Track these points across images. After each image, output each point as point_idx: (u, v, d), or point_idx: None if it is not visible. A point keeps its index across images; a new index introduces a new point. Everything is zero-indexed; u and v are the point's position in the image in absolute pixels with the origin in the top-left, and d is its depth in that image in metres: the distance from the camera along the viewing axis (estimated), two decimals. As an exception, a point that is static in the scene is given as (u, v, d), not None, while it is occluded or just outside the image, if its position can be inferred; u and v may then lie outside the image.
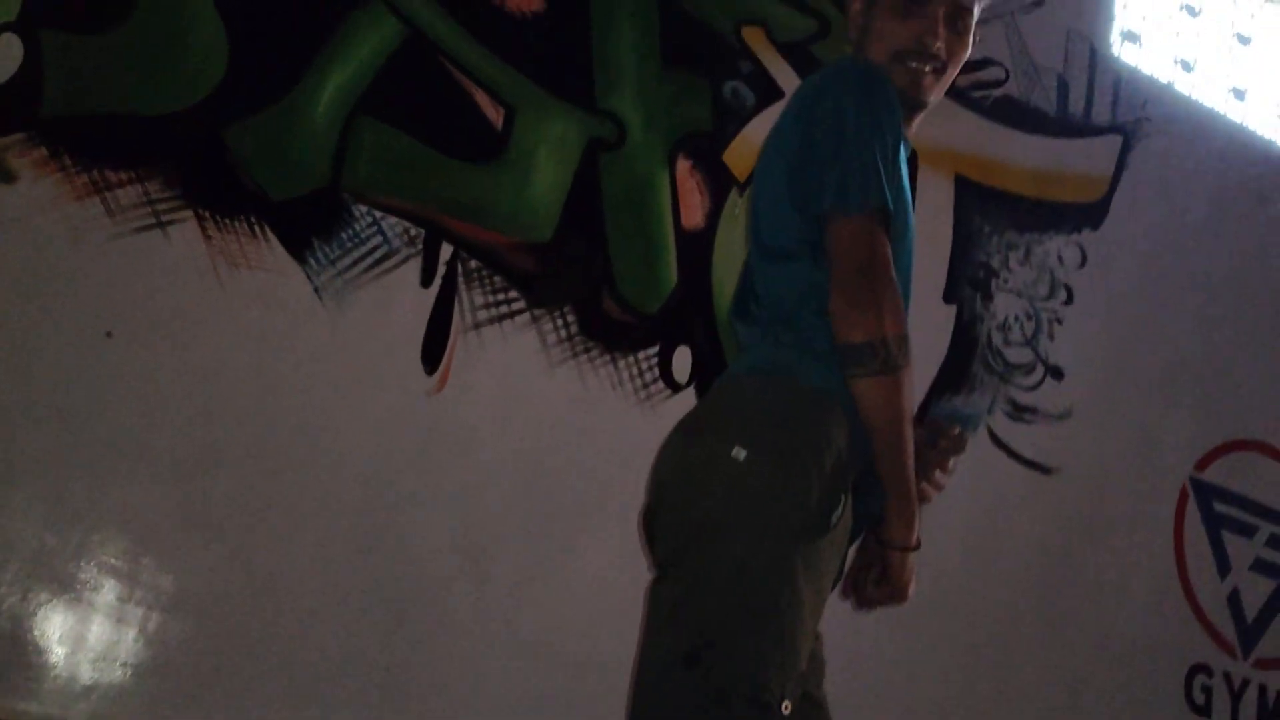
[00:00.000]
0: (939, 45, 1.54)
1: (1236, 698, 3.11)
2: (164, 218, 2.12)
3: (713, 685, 1.35)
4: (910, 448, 1.47)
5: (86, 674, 2.03)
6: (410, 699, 2.24)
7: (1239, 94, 3.49)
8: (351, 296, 2.25)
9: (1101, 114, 3.12)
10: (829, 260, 1.46)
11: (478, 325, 2.36)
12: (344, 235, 2.26)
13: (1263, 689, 3.16)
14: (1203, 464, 3.17)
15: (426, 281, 2.33)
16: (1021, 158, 2.98)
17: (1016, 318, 2.95)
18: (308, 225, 2.23)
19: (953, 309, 2.87)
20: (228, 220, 2.17)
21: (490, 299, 2.38)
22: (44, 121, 2.04)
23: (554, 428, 2.42)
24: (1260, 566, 3.22)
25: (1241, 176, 3.32)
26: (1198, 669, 3.08)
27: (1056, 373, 3.00)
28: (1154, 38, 3.34)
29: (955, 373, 2.85)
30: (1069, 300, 3.03)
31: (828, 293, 1.46)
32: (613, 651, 2.31)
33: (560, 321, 2.45)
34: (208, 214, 2.16)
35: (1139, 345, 3.12)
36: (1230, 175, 3.30)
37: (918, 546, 1.50)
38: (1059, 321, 3.01)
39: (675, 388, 2.55)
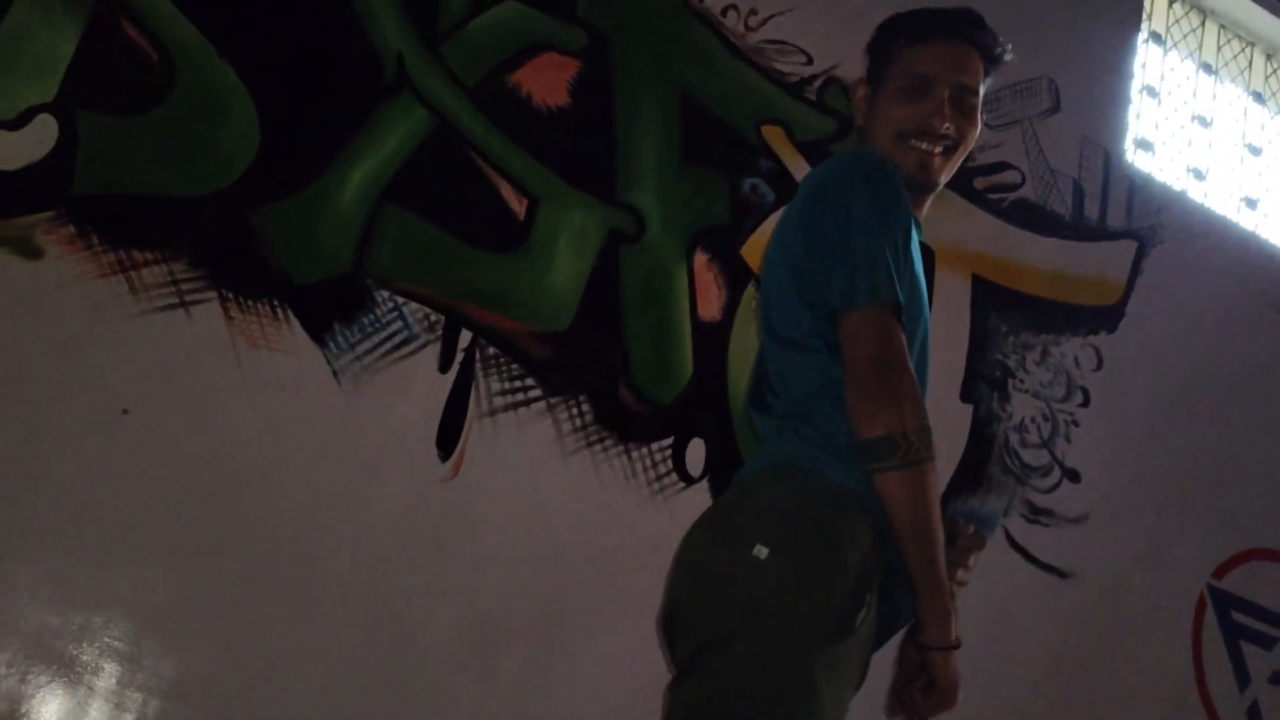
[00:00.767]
0: (947, 125, 1.54)
1: (1258, 815, 3.02)
2: (187, 297, 2.14)
3: None
4: (940, 543, 1.43)
5: (83, 761, 1.99)
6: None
7: (1251, 203, 3.53)
8: (369, 380, 2.25)
9: (1116, 219, 3.15)
10: (843, 355, 1.45)
11: (493, 412, 2.36)
12: (365, 320, 2.27)
13: (1285, 806, 3.07)
14: (1220, 572, 3.12)
15: (444, 367, 2.33)
16: (1038, 259, 3.00)
17: (1033, 419, 2.94)
18: (329, 309, 2.24)
19: (969, 408, 2.86)
20: (250, 301, 2.18)
21: (506, 385, 2.38)
22: (73, 200, 2.06)
23: (566, 517, 2.40)
24: (1280, 679, 3.15)
25: (1254, 283, 3.34)
26: (1218, 784, 2.99)
27: (1073, 475, 2.97)
28: (1166, 146, 3.39)
29: (972, 473, 2.83)
30: (1085, 403, 3.02)
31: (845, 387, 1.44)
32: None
33: (575, 410, 2.44)
34: (231, 295, 2.17)
35: (1155, 449, 3.10)
36: (1243, 282, 3.32)
37: (958, 645, 1.45)
38: (1075, 424, 3.00)
39: (689, 480, 2.53)
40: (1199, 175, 3.44)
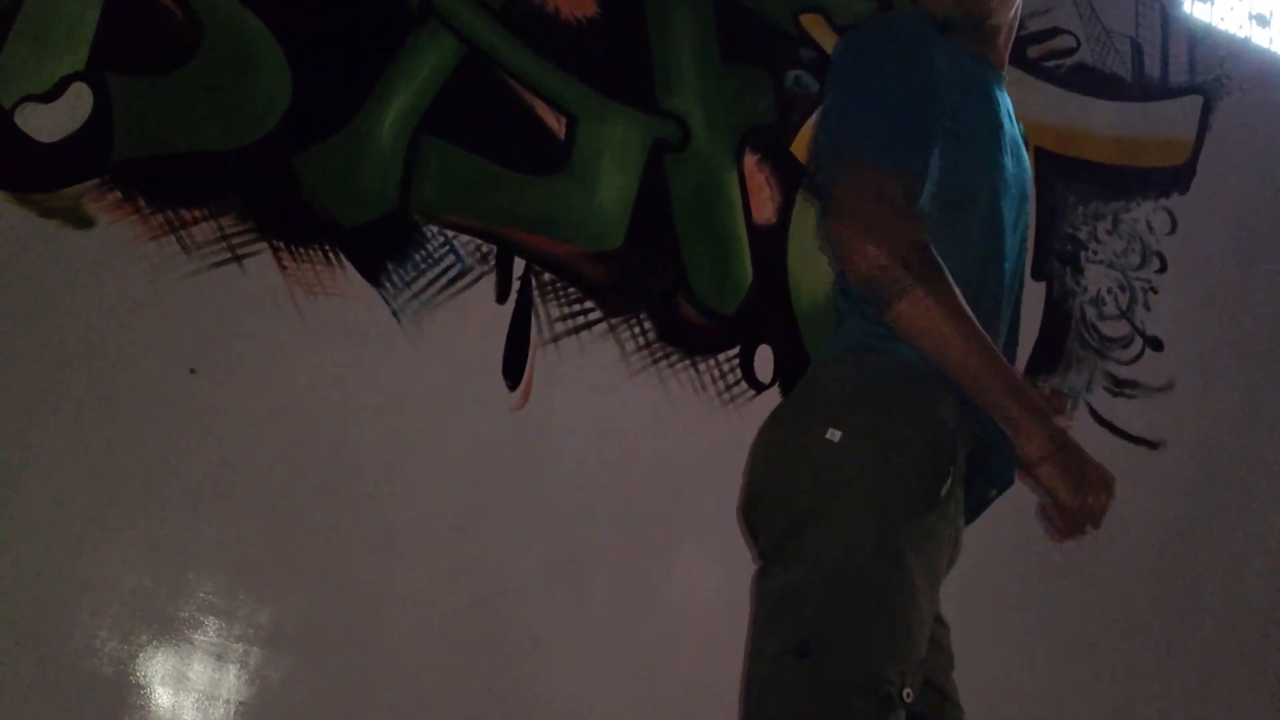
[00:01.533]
0: None
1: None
2: (239, 251, 2.13)
3: (826, 676, 1.29)
4: (989, 357, 1.36)
5: (191, 714, 2.02)
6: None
7: (1320, 44, 3.35)
8: (429, 317, 2.24)
9: (1179, 75, 3.02)
10: None
11: (556, 338, 2.33)
12: (417, 257, 2.25)
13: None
14: (1315, 427, 3.02)
15: (502, 298, 2.30)
16: (1101, 125, 2.88)
17: (1110, 290, 2.85)
18: (381, 249, 2.22)
19: (1042, 286, 2.78)
20: (302, 249, 2.17)
21: (566, 310, 2.35)
22: (116, 165, 2.06)
23: (640, 436, 2.38)
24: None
25: (1331, 128, 3.18)
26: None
27: (1155, 344, 2.88)
28: (1225, -7, 3.23)
29: (1050, 351, 2.75)
30: (1162, 268, 2.91)
31: None
32: (721, 658, 2.25)
33: (638, 329, 2.41)
34: (281, 245, 2.16)
35: (1238, 309, 2.99)
36: (1319, 127, 3.17)
37: (1063, 447, 1.35)
38: (1154, 290, 2.90)
39: (759, 388, 2.50)
40: (1262, 21, 3.26)
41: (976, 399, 1.37)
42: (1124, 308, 2.87)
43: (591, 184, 2.39)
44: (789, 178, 2.56)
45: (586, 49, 2.40)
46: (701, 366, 2.46)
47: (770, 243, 2.55)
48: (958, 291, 1.36)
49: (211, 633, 2.05)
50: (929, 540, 1.35)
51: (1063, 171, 2.83)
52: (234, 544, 2.08)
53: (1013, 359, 1.60)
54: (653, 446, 2.39)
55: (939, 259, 1.36)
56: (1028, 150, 1.64)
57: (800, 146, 2.57)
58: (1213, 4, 3.18)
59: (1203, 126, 3.01)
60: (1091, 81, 2.89)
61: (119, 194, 2.06)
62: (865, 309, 1.46)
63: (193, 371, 2.08)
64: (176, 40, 2.12)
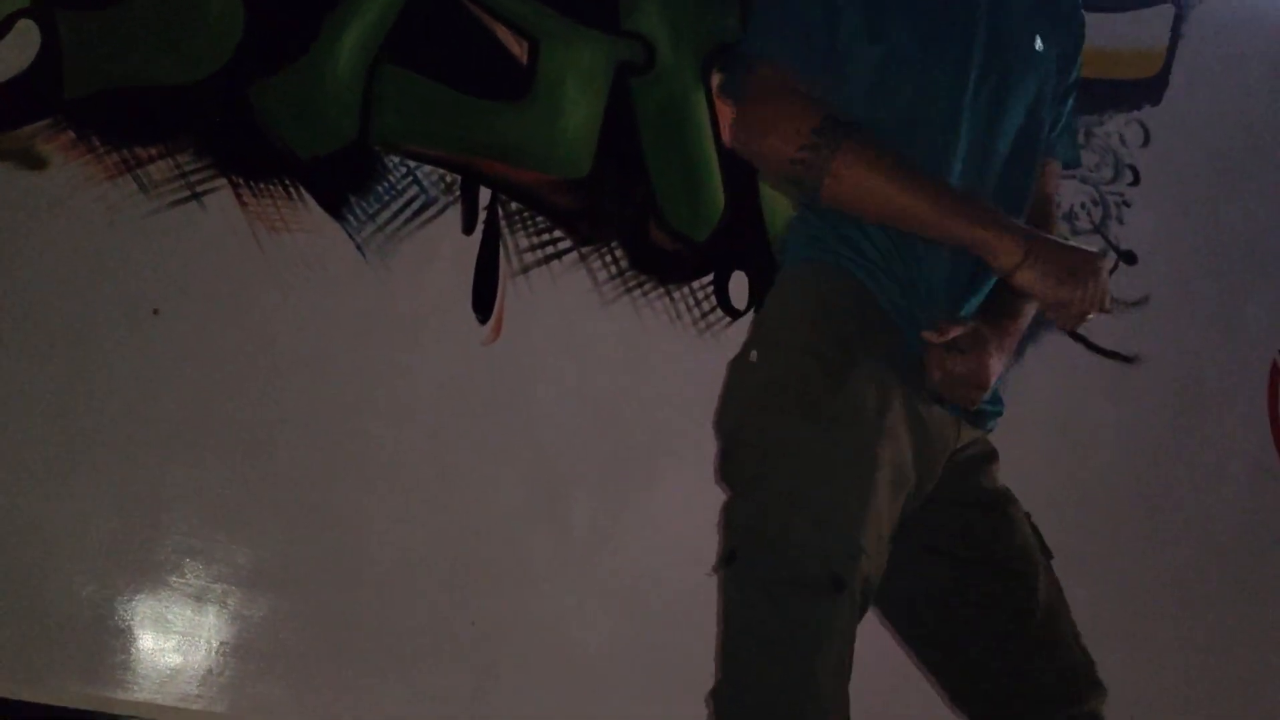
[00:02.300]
0: None
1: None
2: (198, 189, 2.09)
3: (749, 576, 1.33)
4: (926, 191, 1.35)
5: (173, 657, 2.02)
6: (497, 651, 2.21)
7: (1294, -49, 3.31)
8: (394, 250, 2.21)
9: (1149, -18, 2.98)
10: None
11: (525, 269, 2.31)
12: (379, 189, 2.21)
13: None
14: (1292, 340, 3.03)
15: (468, 229, 2.27)
16: (1071, 36, 2.84)
17: (1083, 205, 2.83)
18: (342, 182, 2.19)
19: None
20: (261, 184, 2.13)
21: (535, 240, 2.32)
22: (68, 104, 2.01)
23: (614, 366, 2.36)
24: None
25: (1307, 37, 3.16)
26: (1308, 552, 2.95)
27: (1129, 258, 2.87)
28: (1197, -101, 3.18)
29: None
30: (1135, 181, 2.89)
31: None
32: (701, 582, 2.26)
33: (609, 258, 2.38)
34: (241, 180, 2.12)
35: (1211, 222, 2.98)
36: (1294, 37, 3.14)
37: (1034, 247, 1.34)
38: (1126, 204, 2.88)
39: (734, 314, 2.48)
40: (1235, -72, 3.23)
41: (936, 237, 1.37)
42: (1097, 222, 2.85)
43: (556, 109, 2.35)
44: (758, 99, 2.52)
45: (547, -30, 2.35)
46: (676, 294, 2.44)
47: (742, 166, 2.50)
48: (876, 142, 1.34)
49: (189, 574, 2.04)
50: (854, 434, 1.35)
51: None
52: (208, 484, 2.06)
53: None
54: (628, 376, 2.37)
55: (848, 121, 1.34)
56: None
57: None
58: (1184, -88, 3.14)
59: (1175, 36, 2.97)
60: (1060, -8, 2.84)
61: (72, 134, 2.01)
62: (797, 217, 1.50)
63: (156, 312, 2.05)
64: (124, -28, 2.06)
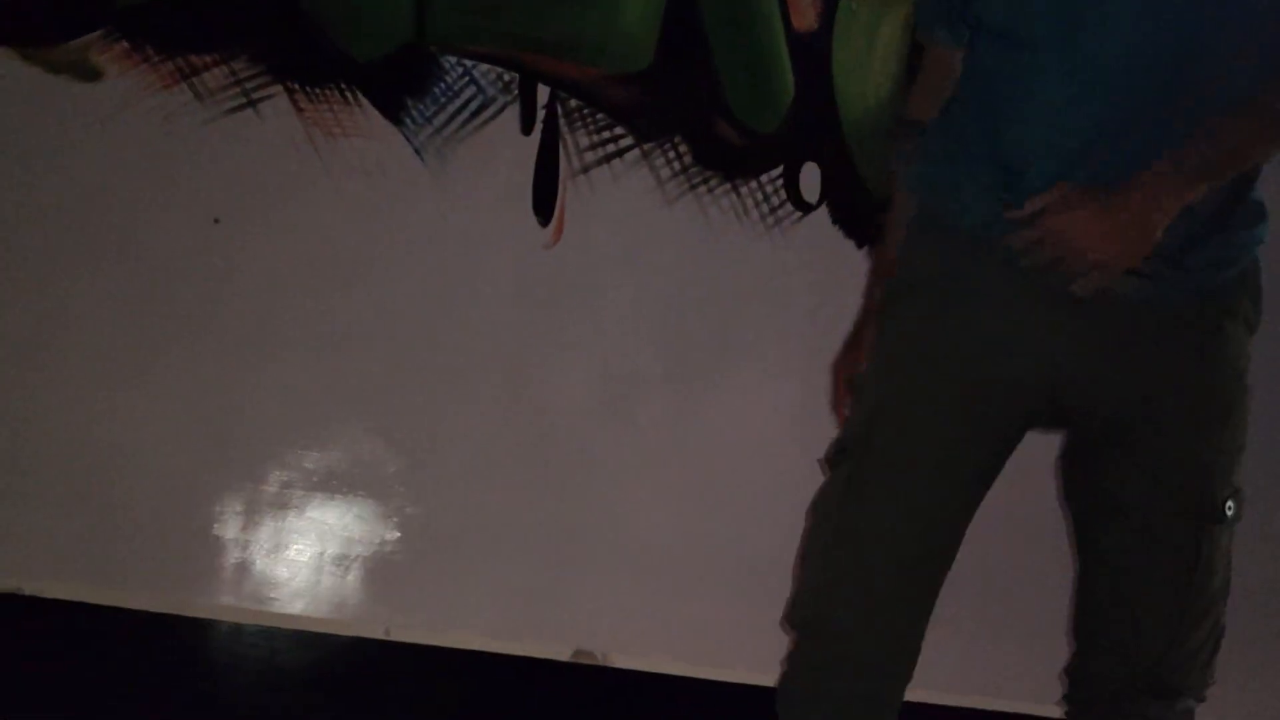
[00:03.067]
0: None
1: None
2: (254, 95, 2.07)
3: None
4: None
5: (245, 559, 2.08)
6: (568, 551, 2.23)
7: None
8: (453, 153, 2.17)
9: None
10: None
11: (586, 168, 2.26)
12: (436, 90, 2.17)
13: None
14: None
15: (527, 129, 2.22)
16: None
17: None
18: (398, 84, 2.15)
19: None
20: (317, 90, 2.11)
21: (595, 139, 2.26)
22: (121, 13, 2.00)
23: (680, 264, 2.31)
24: None
25: None
26: None
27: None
28: None
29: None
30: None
31: None
32: (768, 476, 2.25)
33: (673, 154, 2.31)
34: (296, 86, 2.10)
35: None
36: None
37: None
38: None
39: (805, 209, 2.39)
40: None
41: None
42: None
43: (614, 0, 2.26)
44: (830, -23, 2.39)
45: None
46: (743, 189, 2.37)
47: (812, 52, 2.40)
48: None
49: (262, 480, 2.09)
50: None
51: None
52: (279, 391, 2.10)
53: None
54: (693, 275, 2.32)
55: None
56: None
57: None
58: None
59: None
60: None
61: (126, 43, 2.01)
62: None
63: (217, 221, 2.06)
64: (171, -126, 2.02)
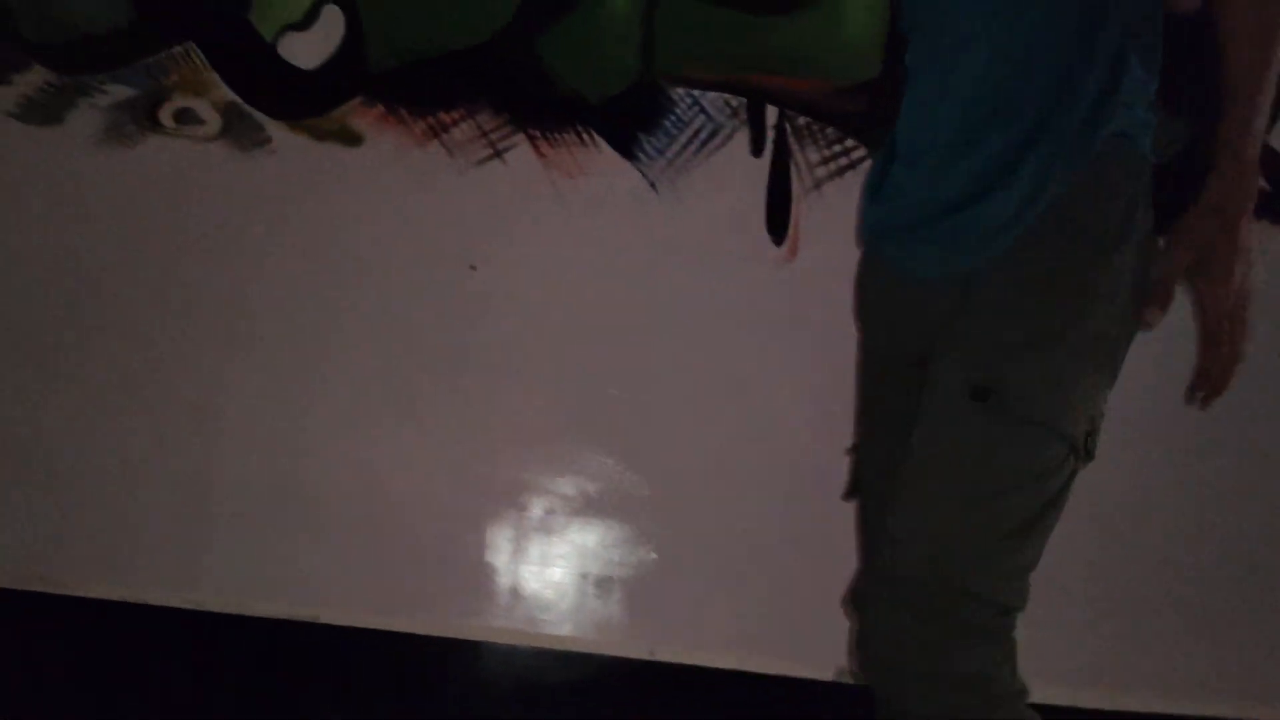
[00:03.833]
0: None
1: None
2: (499, 146, 2.19)
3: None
4: None
5: (530, 587, 2.19)
6: (820, 570, 2.22)
7: None
8: (686, 182, 2.22)
9: None
10: None
11: (818, 184, 2.25)
12: (667, 123, 2.22)
13: None
14: None
15: (757, 151, 2.24)
16: None
17: None
18: (631, 120, 2.21)
19: None
20: (556, 134, 2.20)
21: (826, 153, 2.25)
22: (374, 80, 2.15)
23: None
24: None
25: None
26: None
27: None
28: None
29: None
30: None
31: None
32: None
33: (907, 160, 2.27)
34: (537, 133, 2.19)
35: None
36: None
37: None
38: None
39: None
40: None
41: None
42: None
43: (839, 11, 2.25)
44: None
45: None
46: (982, 191, 2.30)
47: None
48: None
49: (533, 507, 2.20)
50: None
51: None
52: (533, 423, 2.20)
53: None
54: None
55: None
56: None
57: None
58: None
59: None
60: None
61: (381, 108, 2.16)
62: None
63: (473, 268, 2.18)
64: (409, -53, 2.16)
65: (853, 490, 1.62)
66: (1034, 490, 1.29)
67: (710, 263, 2.23)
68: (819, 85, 2.25)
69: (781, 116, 2.24)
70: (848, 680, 2.18)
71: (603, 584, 2.21)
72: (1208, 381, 1.34)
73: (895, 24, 1.58)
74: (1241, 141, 1.30)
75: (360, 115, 2.15)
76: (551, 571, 2.20)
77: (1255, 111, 1.29)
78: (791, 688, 2.19)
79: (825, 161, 2.26)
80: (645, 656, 2.19)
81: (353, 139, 2.15)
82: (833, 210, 2.25)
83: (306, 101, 2.16)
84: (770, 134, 2.24)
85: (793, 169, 2.25)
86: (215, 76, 2.16)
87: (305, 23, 2.14)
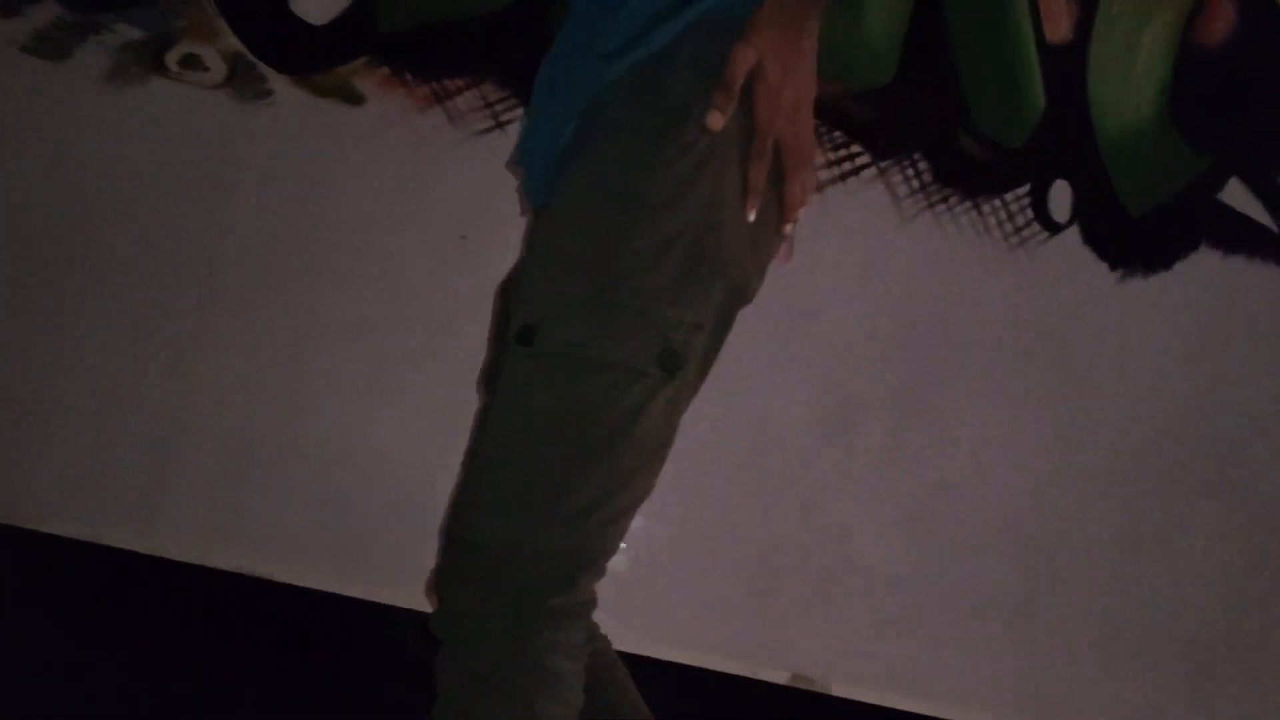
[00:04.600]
0: None
1: None
2: (502, 118, 2.17)
3: None
4: None
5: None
6: (786, 571, 2.22)
7: None
8: (687, 171, 2.20)
9: None
10: None
11: (820, 187, 2.23)
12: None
13: None
14: None
15: (761, 146, 2.22)
16: None
17: None
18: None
19: None
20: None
21: (830, 156, 2.23)
22: (381, 41, 2.14)
23: (913, 285, 2.25)
24: None
25: None
26: None
27: None
28: None
29: None
30: None
31: None
32: (991, 511, 2.16)
33: (911, 171, 2.26)
34: (539, 108, 2.17)
35: None
36: None
37: None
38: None
39: (1053, 228, 2.28)
40: None
41: None
42: None
43: (856, 14, 2.22)
44: (1087, -14, 2.27)
45: None
46: (985, 207, 2.28)
47: (1065, 63, 2.28)
48: None
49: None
50: None
51: None
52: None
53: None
54: (927, 296, 2.25)
55: None
56: None
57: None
58: None
59: None
60: None
61: (387, 70, 2.15)
62: None
63: (464, 238, 2.17)
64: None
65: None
66: (583, 425, 1.19)
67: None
68: (830, 89, 2.23)
69: (788, 115, 2.22)
70: (802, 686, 2.18)
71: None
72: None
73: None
74: None
75: (365, 75, 2.14)
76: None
77: None
78: (746, 688, 2.18)
79: (829, 165, 2.23)
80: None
81: (355, 98, 2.14)
82: (832, 214, 2.23)
83: (312, 56, 2.14)
84: (775, 132, 2.22)
85: (795, 169, 2.22)
86: (224, 24, 2.15)
87: (318, -23, 2.13)
